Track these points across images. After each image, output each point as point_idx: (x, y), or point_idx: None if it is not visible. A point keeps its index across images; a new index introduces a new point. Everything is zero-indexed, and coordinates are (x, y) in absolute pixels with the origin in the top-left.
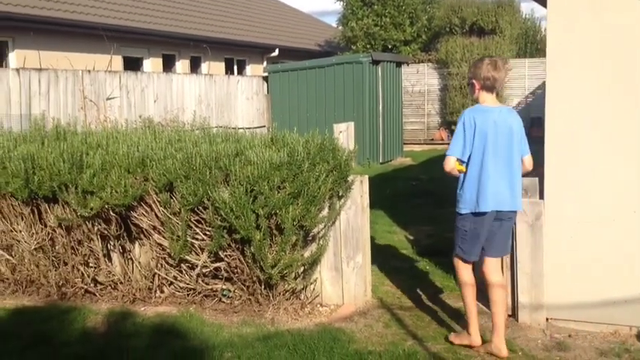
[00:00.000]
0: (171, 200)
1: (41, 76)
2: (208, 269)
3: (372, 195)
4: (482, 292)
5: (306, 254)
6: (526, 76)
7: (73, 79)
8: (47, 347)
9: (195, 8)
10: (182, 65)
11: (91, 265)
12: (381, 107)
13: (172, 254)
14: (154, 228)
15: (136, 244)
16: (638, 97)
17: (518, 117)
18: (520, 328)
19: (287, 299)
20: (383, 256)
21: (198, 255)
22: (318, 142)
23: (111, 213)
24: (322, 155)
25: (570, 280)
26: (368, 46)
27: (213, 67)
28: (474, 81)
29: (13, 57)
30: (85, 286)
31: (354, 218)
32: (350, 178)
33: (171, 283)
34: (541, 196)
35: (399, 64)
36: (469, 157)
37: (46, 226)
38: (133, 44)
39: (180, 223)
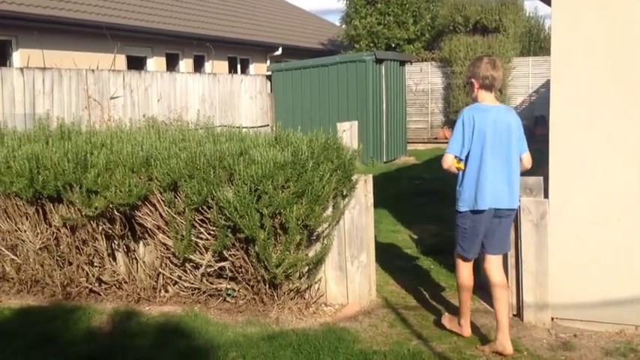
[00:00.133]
0: (176, 200)
1: (45, 75)
2: (213, 269)
3: (375, 194)
4: (487, 292)
5: (311, 254)
6: (530, 75)
7: (77, 79)
8: (52, 347)
9: (199, 7)
10: (186, 64)
11: (95, 264)
12: (384, 106)
13: (177, 254)
14: (159, 227)
15: (141, 244)
16: (638, 96)
17: (517, 116)
18: (525, 327)
19: (291, 299)
20: (387, 256)
21: (202, 254)
22: (322, 142)
23: (115, 212)
24: (326, 154)
25: (575, 279)
26: (371, 44)
27: (217, 65)
28: (472, 80)
29: (17, 56)
30: (90, 286)
31: (358, 217)
32: (354, 178)
33: (176, 282)
34: (546, 195)
35: (402, 63)
36: (468, 155)
37: (50, 225)
38: (137, 43)
39: (184, 222)
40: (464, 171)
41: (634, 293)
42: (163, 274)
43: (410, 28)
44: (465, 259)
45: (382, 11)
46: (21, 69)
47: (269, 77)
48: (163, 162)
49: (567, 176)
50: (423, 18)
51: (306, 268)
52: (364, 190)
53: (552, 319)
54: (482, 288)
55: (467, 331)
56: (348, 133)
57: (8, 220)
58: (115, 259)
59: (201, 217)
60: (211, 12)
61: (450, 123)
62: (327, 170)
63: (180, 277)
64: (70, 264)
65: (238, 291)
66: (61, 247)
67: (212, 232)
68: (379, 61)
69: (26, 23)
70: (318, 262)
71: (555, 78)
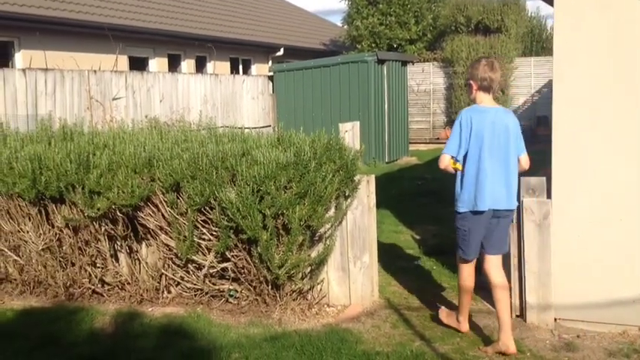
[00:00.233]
0: (178, 200)
1: (47, 76)
2: (215, 269)
3: (378, 194)
4: (488, 292)
5: (313, 254)
6: (532, 75)
7: (79, 79)
8: (55, 348)
9: (201, 8)
10: (187, 65)
11: (98, 265)
12: (386, 106)
13: (179, 254)
14: (161, 228)
15: (143, 245)
16: (639, 96)
17: (515, 117)
18: (528, 328)
19: (294, 300)
20: (389, 256)
21: (205, 255)
22: (325, 142)
23: (118, 213)
24: (329, 155)
25: (578, 280)
26: (373, 45)
27: (219, 66)
28: (471, 82)
29: (20, 57)
30: (93, 287)
31: (360, 218)
32: (356, 178)
33: (179, 283)
34: (548, 196)
35: (404, 63)
36: (466, 156)
37: (53, 226)
38: (139, 44)
39: (187, 223)
40: (462, 172)
41: (637, 294)
42: (166, 275)
43: (412, 29)
44: (466, 260)
45: (384, 12)
46: (23, 70)
47: (271, 78)
48: (166, 163)
49: (570, 176)
50: (424, 18)
51: (309, 269)
52: (367, 191)
53: (555, 319)
54: (484, 288)
55: (465, 326)
56: (350, 134)
57: (11, 220)
58: (117, 260)
59: (203, 217)
60: (213, 13)
61: (451, 123)
62: (329, 171)
63: (182, 278)
64: (73, 265)
65: (241, 292)
66: (64, 248)
67: (214, 233)
68: (381, 62)
69: (28, 24)
70: (321, 262)
71: (558, 78)
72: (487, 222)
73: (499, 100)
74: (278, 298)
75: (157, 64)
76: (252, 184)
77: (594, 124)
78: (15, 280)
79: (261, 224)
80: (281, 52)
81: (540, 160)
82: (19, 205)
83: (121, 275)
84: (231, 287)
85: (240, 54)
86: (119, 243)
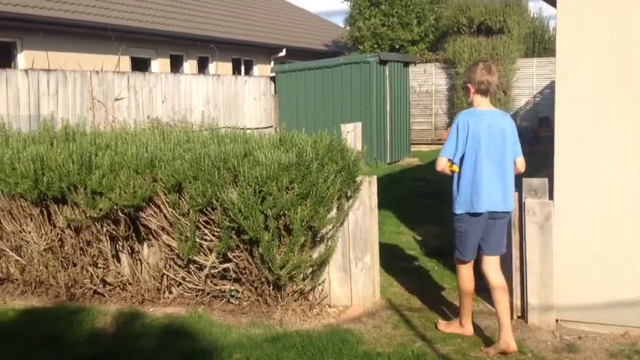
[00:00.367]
0: (180, 201)
1: (50, 76)
2: (217, 270)
3: (379, 195)
4: (489, 293)
5: (315, 255)
6: (534, 76)
7: (82, 80)
8: (56, 348)
9: (203, 9)
10: (190, 66)
11: (99, 265)
12: (388, 107)
13: (181, 255)
14: (163, 229)
15: (145, 245)
16: (639, 97)
17: (511, 120)
18: (529, 329)
19: (295, 300)
20: (391, 257)
21: (206, 256)
22: (327, 143)
23: (120, 214)
24: (331, 156)
25: (580, 281)
26: (375, 46)
27: (221, 67)
28: (469, 85)
29: (22, 58)
30: (94, 287)
31: (362, 219)
32: (358, 179)
33: (180, 283)
34: (551, 197)
35: (406, 64)
36: (463, 158)
37: (55, 226)
38: (141, 45)
39: (188, 223)
40: (459, 174)
41: (639, 295)
42: (167, 276)
43: (414, 30)
44: (464, 261)
45: (386, 12)
46: (26, 70)
47: (273, 79)
48: (168, 163)
49: (572, 178)
50: (427, 19)
51: (310, 270)
52: (368, 192)
53: (557, 320)
54: (485, 289)
55: (469, 330)
56: (352, 135)
57: (13, 221)
58: (119, 260)
59: (205, 218)
60: (215, 14)
61: None
62: (331, 172)
63: (184, 279)
64: (75, 265)
65: (242, 292)
66: (66, 248)
67: (216, 234)
68: (383, 63)
69: (31, 25)
70: (322, 263)
71: (561, 79)
72: (484, 223)
73: (501, 101)
74: (279, 299)
75: (159, 64)
76: (254, 184)
77: (597, 125)
78: (17, 280)
79: (262, 225)
80: (283, 53)
81: (543, 161)
82: (21, 206)
83: (122, 275)
84: (232, 288)
85: (243, 55)
86: (121, 243)
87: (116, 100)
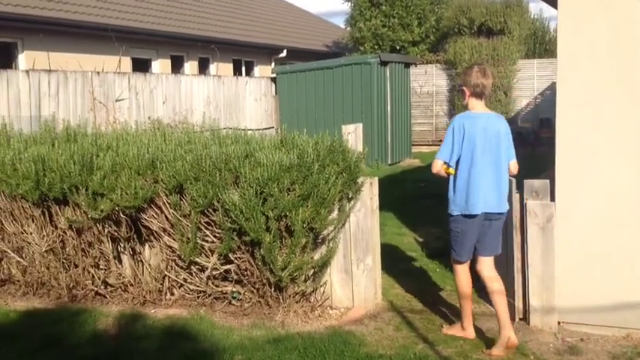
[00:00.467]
0: (181, 202)
1: (51, 77)
2: (218, 271)
3: (380, 196)
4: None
5: (316, 256)
6: (535, 77)
7: (83, 81)
8: (58, 349)
9: (204, 9)
10: (190, 66)
11: (101, 267)
12: (389, 108)
13: (182, 256)
14: (164, 230)
15: (146, 246)
16: (639, 97)
17: (506, 123)
18: (531, 331)
19: (297, 302)
20: (392, 258)
21: (208, 257)
22: (328, 144)
23: (121, 215)
24: (332, 157)
25: (582, 283)
26: (376, 46)
27: (222, 68)
28: (464, 88)
29: (23, 58)
30: (96, 288)
31: (363, 220)
32: (360, 180)
33: (182, 285)
34: (552, 198)
35: (407, 65)
36: (458, 160)
37: (56, 228)
38: (142, 45)
39: (190, 225)
40: (455, 176)
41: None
42: (169, 277)
43: (414, 31)
44: (460, 262)
45: (387, 13)
46: (26, 71)
47: (274, 79)
48: (169, 164)
49: (573, 179)
50: (427, 20)
51: (312, 271)
52: (370, 193)
53: (559, 322)
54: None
55: (471, 332)
56: (353, 136)
57: (14, 222)
58: (120, 261)
59: (206, 219)
60: (216, 14)
61: None
62: (332, 173)
63: (185, 280)
64: (76, 266)
65: (244, 294)
66: (67, 249)
67: (218, 235)
68: (384, 64)
69: (31, 25)
70: (324, 265)
71: (561, 81)
72: (479, 225)
73: (502, 103)
74: (281, 301)
75: (160, 65)
76: (256, 186)
77: (597, 126)
78: (18, 281)
79: (264, 226)
80: (284, 54)
81: (543, 163)
82: (22, 207)
83: (124, 277)
84: (234, 289)
85: (243, 55)
86: (122, 245)
87: (117, 100)
